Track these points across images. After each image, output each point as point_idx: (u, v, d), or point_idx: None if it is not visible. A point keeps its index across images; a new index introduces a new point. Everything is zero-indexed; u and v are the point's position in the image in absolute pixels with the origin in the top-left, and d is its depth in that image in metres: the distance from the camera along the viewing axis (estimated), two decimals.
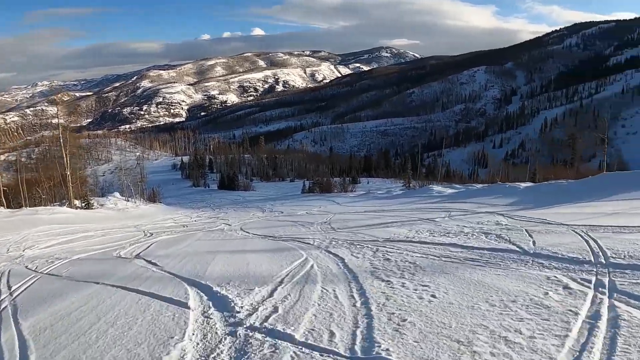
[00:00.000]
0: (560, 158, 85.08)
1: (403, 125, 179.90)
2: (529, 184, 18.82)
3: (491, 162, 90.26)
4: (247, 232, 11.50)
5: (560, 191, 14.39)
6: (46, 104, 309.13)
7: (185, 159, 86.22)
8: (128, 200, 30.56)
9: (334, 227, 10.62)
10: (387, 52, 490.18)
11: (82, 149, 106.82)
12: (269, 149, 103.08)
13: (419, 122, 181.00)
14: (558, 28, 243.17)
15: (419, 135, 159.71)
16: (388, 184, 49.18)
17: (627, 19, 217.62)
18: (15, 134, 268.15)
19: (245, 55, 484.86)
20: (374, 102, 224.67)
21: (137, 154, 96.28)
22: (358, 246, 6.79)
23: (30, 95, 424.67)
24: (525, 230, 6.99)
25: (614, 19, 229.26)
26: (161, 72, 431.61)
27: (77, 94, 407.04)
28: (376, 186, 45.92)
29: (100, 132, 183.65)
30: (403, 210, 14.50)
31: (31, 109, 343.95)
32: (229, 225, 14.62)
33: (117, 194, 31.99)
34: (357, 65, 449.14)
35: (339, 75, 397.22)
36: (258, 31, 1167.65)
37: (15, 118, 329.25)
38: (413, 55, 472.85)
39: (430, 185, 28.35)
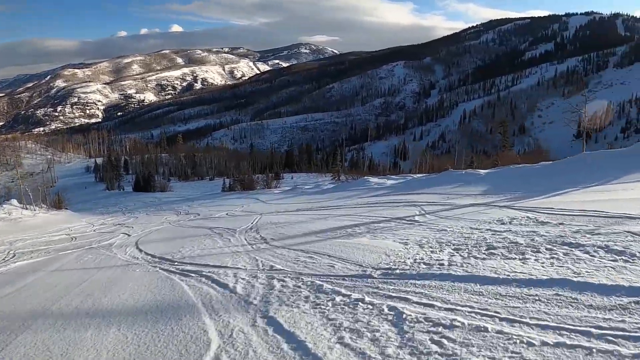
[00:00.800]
0: (479, 148, 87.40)
1: (323, 120, 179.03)
2: (489, 170, 16.40)
3: (412, 154, 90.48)
4: (140, 249, 8.50)
5: (539, 175, 12.10)
6: None
7: (100, 160, 78.77)
8: (26, 208, 25.36)
9: (266, 236, 7.57)
10: (306, 49, 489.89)
11: None
12: (188, 147, 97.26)
13: (339, 116, 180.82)
14: (475, 24, 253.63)
15: (340, 129, 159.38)
16: (313, 178, 47.04)
17: (541, 16, 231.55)
18: None
19: (163, 52, 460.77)
20: (294, 98, 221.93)
21: (48, 157, 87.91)
22: (336, 297, 3.17)
23: None
24: (628, 232, 3.90)
25: (529, 16, 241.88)
26: (76, 70, 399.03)
27: None
28: (302, 181, 43.18)
29: (10, 135, 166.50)
30: (351, 207, 11.56)
31: None
32: (128, 235, 11.93)
33: (14, 202, 26.73)
34: (277, 61, 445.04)
35: (258, 72, 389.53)
36: (176, 28, 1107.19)
37: None
38: (332, 51, 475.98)
39: (366, 177, 25.85)
